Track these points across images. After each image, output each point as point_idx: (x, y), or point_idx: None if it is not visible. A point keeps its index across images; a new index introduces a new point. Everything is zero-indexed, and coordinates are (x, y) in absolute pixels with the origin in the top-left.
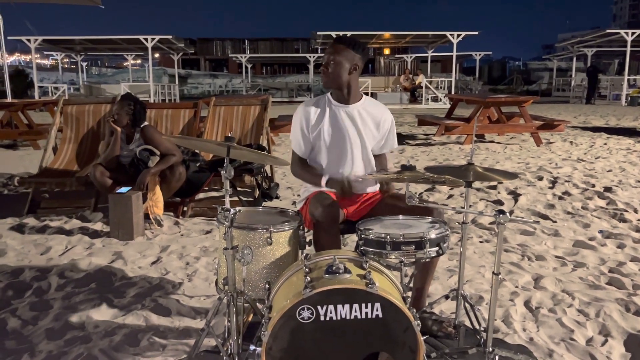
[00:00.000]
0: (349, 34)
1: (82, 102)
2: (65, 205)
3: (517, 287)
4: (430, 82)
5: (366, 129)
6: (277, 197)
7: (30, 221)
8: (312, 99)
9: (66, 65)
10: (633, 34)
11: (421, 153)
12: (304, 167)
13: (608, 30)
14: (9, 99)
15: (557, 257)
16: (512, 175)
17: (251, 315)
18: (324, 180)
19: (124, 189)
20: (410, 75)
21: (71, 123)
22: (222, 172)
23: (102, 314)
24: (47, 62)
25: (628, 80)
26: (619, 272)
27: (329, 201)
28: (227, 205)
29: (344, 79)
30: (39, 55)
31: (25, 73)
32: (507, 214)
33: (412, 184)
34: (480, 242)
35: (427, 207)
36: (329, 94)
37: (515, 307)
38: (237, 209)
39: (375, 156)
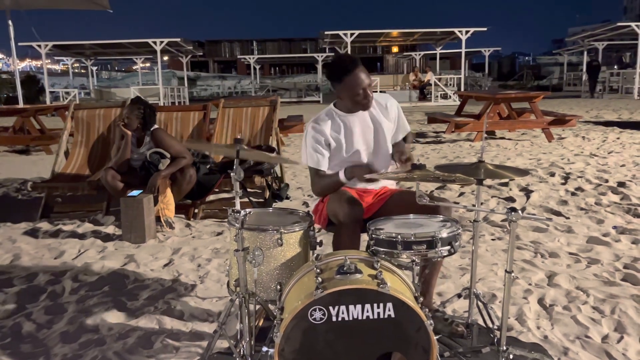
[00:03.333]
0: (356, 32)
1: (92, 107)
2: (78, 209)
3: (530, 284)
4: (439, 80)
5: (380, 126)
6: (287, 198)
7: (44, 225)
8: (318, 117)
9: (76, 70)
10: None
11: (431, 151)
12: (324, 178)
13: (619, 24)
14: (21, 105)
15: (570, 253)
16: (524, 172)
17: (263, 317)
18: (341, 174)
19: (135, 192)
20: (419, 73)
21: (82, 127)
22: (232, 174)
23: (116, 316)
24: (57, 68)
25: None
26: (634, 268)
27: (352, 199)
28: (238, 207)
29: None
30: (49, 61)
31: (37, 79)
32: (519, 212)
33: (422, 183)
34: (493, 239)
35: (438, 206)
36: (333, 106)
37: (529, 305)
38: (248, 210)
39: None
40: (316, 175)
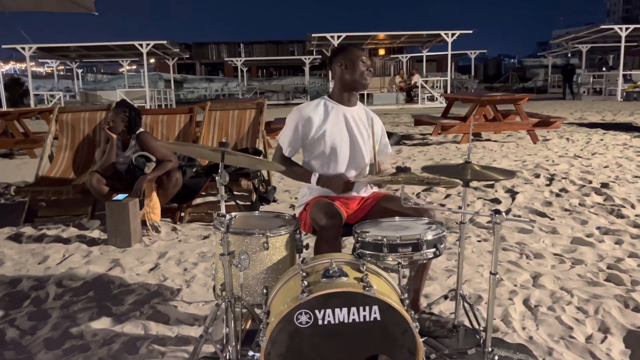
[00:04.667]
0: (343, 35)
1: (77, 110)
2: (63, 213)
3: (515, 285)
4: (426, 82)
5: (362, 132)
6: (274, 201)
7: (28, 230)
8: (309, 103)
9: (62, 73)
10: (627, 29)
11: (418, 153)
12: (291, 164)
13: (602, 26)
14: (5, 108)
15: (555, 254)
16: (510, 173)
17: (250, 321)
18: (314, 179)
19: (120, 196)
20: (406, 76)
21: (67, 131)
22: (217, 177)
23: (101, 322)
24: (42, 70)
25: (624, 75)
26: (617, 269)
27: (332, 209)
28: (223, 211)
29: None
30: (34, 63)
31: (21, 81)
32: (503, 214)
33: (408, 185)
34: (479, 241)
35: (423, 208)
36: (327, 97)
37: (514, 306)
38: (233, 214)
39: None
40: (281, 157)
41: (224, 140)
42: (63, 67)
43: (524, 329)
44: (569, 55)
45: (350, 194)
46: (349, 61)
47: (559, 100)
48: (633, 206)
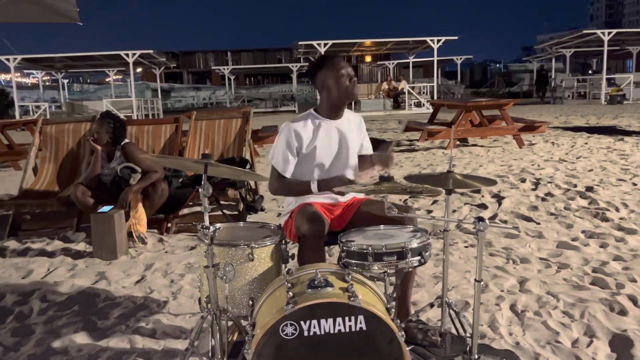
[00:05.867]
0: (330, 42)
1: (61, 122)
2: (47, 226)
3: (502, 291)
4: (413, 88)
5: (354, 139)
6: (262, 210)
7: (12, 244)
8: (297, 118)
9: (47, 83)
10: (610, 33)
11: (405, 159)
12: (287, 181)
13: (585, 31)
14: None
15: (541, 259)
16: (491, 182)
17: (237, 333)
18: (314, 186)
19: (105, 208)
20: (393, 82)
21: (50, 143)
22: (200, 189)
23: (86, 337)
24: (28, 81)
25: (607, 79)
26: (602, 272)
27: (316, 215)
28: (207, 222)
29: None
30: (19, 74)
31: (6, 92)
32: (486, 221)
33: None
34: (465, 247)
35: (407, 217)
36: (313, 111)
37: (501, 311)
38: (217, 225)
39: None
40: (277, 177)
41: (206, 152)
42: (49, 78)
43: (510, 334)
44: (553, 59)
45: (337, 200)
46: (331, 80)
47: (544, 105)
48: (617, 209)
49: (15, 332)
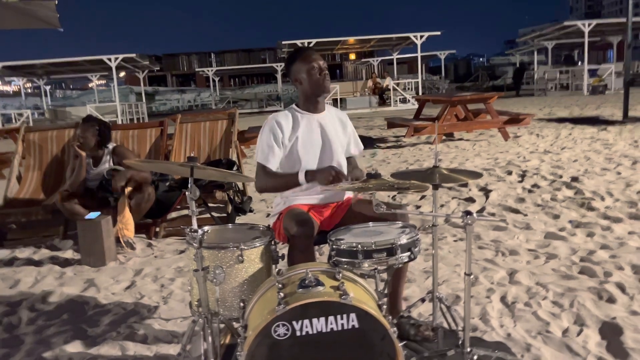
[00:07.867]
0: (314, 41)
1: (44, 129)
2: (34, 234)
3: (492, 283)
4: (398, 84)
5: (337, 134)
6: (250, 211)
7: None
8: (280, 112)
9: (29, 90)
10: (589, 25)
11: (392, 155)
12: (273, 175)
13: (566, 23)
14: None
15: (529, 250)
16: (477, 175)
17: (229, 336)
18: (301, 175)
19: (92, 215)
20: (378, 79)
21: (34, 150)
22: (187, 193)
23: (76, 345)
24: (9, 89)
25: (589, 70)
26: (589, 261)
27: (304, 217)
28: (195, 226)
29: None
30: (0, 82)
31: None
32: (474, 215)
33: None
34: (455, 241)
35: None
36: (295, 106)
37: (491, 304)
38: (206, 228)
39: (346, 159)
40: (263, 171)
41: (192, 155)
42: (30, 85)
43: (502, 326)
44: (535, 52)
45: (326, 201)
46: (303, 73)
47: (528, 97)
48: (603, 198)
49: (4, 343)
